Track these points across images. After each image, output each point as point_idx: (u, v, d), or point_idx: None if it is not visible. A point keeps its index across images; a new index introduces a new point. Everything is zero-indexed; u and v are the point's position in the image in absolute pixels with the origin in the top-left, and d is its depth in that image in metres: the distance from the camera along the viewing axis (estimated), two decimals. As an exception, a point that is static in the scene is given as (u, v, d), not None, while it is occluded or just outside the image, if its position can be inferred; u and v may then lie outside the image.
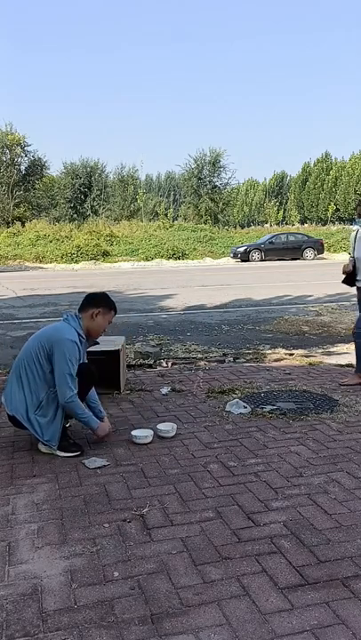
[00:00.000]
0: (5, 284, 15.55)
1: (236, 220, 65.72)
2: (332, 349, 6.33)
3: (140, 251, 28.28)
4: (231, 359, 5.83)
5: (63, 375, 3.16)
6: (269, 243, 28.53)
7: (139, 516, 2.53)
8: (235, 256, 27.54)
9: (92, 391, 3.52)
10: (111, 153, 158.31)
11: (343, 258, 28.45)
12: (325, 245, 29.71)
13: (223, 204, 43.70)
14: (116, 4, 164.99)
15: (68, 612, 1.89)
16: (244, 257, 27.01)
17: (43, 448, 3.33)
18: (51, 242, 28.63)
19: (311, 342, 6.76)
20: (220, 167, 43.47)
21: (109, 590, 2.00)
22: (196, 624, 1.81)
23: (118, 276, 18.83)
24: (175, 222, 40.34)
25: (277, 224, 59.26)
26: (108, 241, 29.47)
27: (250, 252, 27.31)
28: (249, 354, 6.08)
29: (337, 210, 65.34)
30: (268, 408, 4.08)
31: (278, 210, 66.31)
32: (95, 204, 44.79)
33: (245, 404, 4.09)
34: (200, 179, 43.55)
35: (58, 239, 28.81)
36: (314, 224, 60.35)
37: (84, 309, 3.37)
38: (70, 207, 44.83)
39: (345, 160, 74.25)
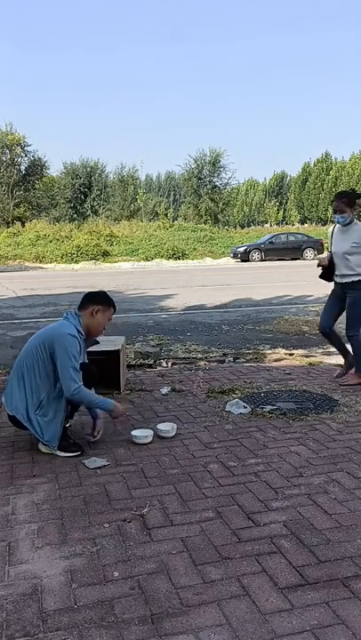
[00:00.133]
0: (5, 284, 15.56)
1: (236, 220, 65.76)
2: (332, 349, 6.32)
3: (140, 251, 28.29)
4: (231, 359, 5.83)
5: (66, 369, 3.16)
6: (269, 243, 28.54)
7: (139, 516, 2.54)
8: (235, 256, 27.56)
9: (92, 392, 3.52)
10: (111, 153, 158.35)
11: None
12: (325, 245, 29.70)
13: (223, 204, 43.71)
14: (115, 3, 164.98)
15: (68, 611, 1.89)
16: (244, 257, 27.02)
17: (43, 448, 3.33)
18: (51, 242, 28.65)
19: (311, 342, 6.76)
20: (220, 167, 43.51)
21: (109, 590, 2.00)
22: (196, 624, 1.81)
23: (118, 275, 18.83)
24: (175, 222, 40.36)
25: (277, 224, 59.29)
26: (108, 241, 29.48)
27: (250, 251, 27.33)
28: (249, 354, 6.08)
29: (337, 210, 65.18)
30: (268, 408, 4.08)
31: (278, 210, 66.36)
32: (95, 203, 44.81)
33: (245, 404, 4.09)
34: (200, 179, 43.56)
35: (58, 239, 28.82)
36: (314, 224, 60.34)
37: (84, 307, 3.38)
38: (70, 207, 44.85)
39: (345, 160, 74.24)
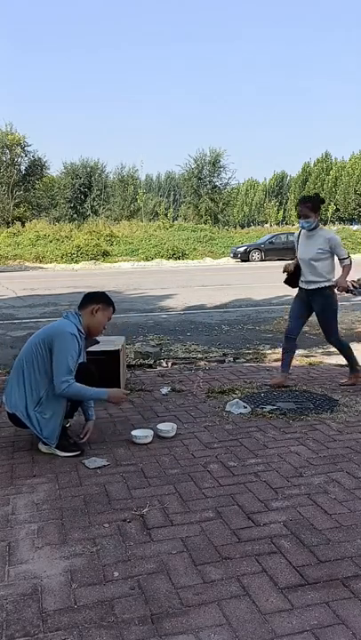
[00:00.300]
0: (5, 284, 15.55)
1: (236, 220, 65.77)
2: (332, 349, 6.32)
3: (140, 251, 28.28)
4: (231, 359, 5.83)
5: (60, 366, 3.16)
6: (269, 243, 28.53)
7: (139, 516, 2.54)
8: (235, 256, 27.54)
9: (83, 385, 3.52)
10: (111, 153, 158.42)
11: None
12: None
13: (223, 204, 43.70)
14: (115, 3, 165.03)
15: (68, 611, 1.89)
16: (244, 257, 27.01)
17: (43, 448, 3.33)
18: (51, 242, 28.63)
19: (311, 342, 6.75)
20: (220, 167, 43.49)
21: (109, 590, 2.00)
22: (196, 624, 1.81)
23: (118, 275, 18.83)
24: (175, 222, 40.34)
25: (277, 224, 59.21)
26: (108, 241, 29.46)
27: (250, 252, 27.32)
28: (249, 354, 6.08)
29: (337, 210, 65.29)
30: (268, 408, 4.08)
31: (278, 210, 66.28)
32: (95, 203, 44.79)
33: (245, 404, 4.09)
34: (200, 179, 43.55)
35: (58, 239, 28.81)
36: (314, 224, 60.17)
37: (84, 306, 3.40)
38: (70, 207, 44.83)
39: (345, 160, 74.25)
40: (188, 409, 4.16)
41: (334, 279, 4.53)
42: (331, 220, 57.50)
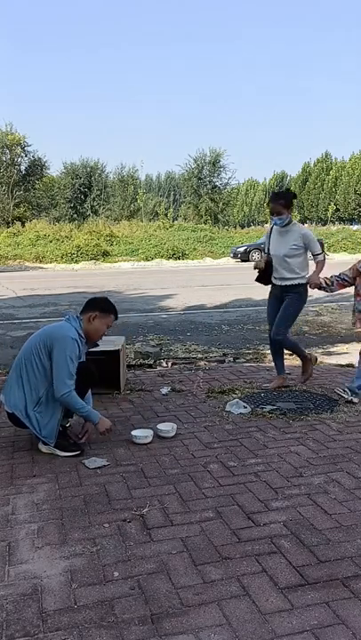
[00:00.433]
0: (5, 284, 15.54)
1: (236, 220, 65.77)
2: (332, 349, 6.34)
3: (140, 251, 28.25)
4: (231, 359, 5.83)
5: (61, 370, 3.17)
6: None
7: (139, 516, 2.54)
8: (235, 256, 27.53)
9: (88, 395, 3.52)
10: (111, 153, 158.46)
11: (343, 258, 28.46)
12: (325, 245, 29.63)
13: (223, 204, 43.68)
14: (116, 4, 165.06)
15: (68, 611, 1.89)
16: (244, 257, 26.99)
17: (43, 448, 3.33)
18: (51, 242, 28.60)
19: (311, 342, 6.75)
20: (220, 167, 43.47)
21: (109, 590, 2.00)
22: (196, 624, 1.81)
23: (118, 275, 18.82)
24: (175, 222, 40.30)
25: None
26: (108, 241, 29.43)
27: (250, 251, 27.29)
28: (249, 354, 6.08)
29: (337, 210, 65.29)
30: (268, 408, 4.08)
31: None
32: (95, 203, 44.76)
33: (245, 404, 4.09)
34: (200, 179, 43.53)
35: (58, 239, 28.77)
36: (314, 224, 60.34)
37: (84, 312, 3.40)
38: (70, 207, 44.80)
39: (345, 160, 74.24)
40: (188, 409, 4.16)
41: (308, 275, 4.49)
42: (331, 220, 57.50)
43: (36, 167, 41.70)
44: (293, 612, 1.86)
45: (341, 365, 5.48)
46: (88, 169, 45.26)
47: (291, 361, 5.69)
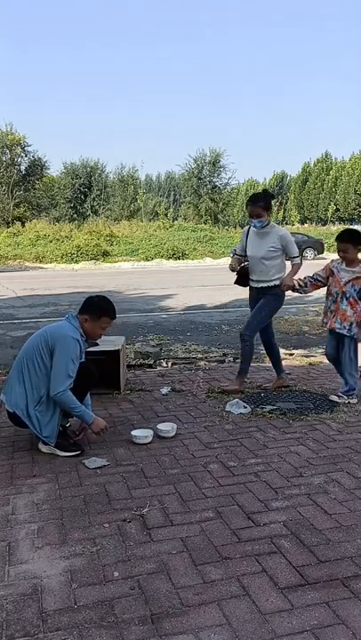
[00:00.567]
0: (5, 284, 15.54)
1: (236, 220, 65.76)
2: (332, 349, 6.32)
3: (140, 251, 28.24)
4: (231, 359, 5.83)
5: (60, 370, 3.17)
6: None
7: (139, 516, 2.54)
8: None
9: (87, 397, 3.52)
10: (111, 153, 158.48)
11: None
12: (325, 245, 29.70)
13: (223, 204, 43.67)
14: (116, 3, 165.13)
15: (68, 611, 1.89)
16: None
17: (43, 448, 3.33)
18: (51, 242, 28.59)
19: (311, 342, 6.76)
20: (220, 167, 43.44)
21: (109, 590, 2.00)
22: (196, 624, 1.81)
23: (118, 275, 18.83)
24: (175, 222, 40.31)
25: (277, 224, 59.16)
26: (108, 241, 29.42)
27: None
28: (249, 354, 6.07)
29: (337, 210, 65.31)
30: (268, 408, 4.08)
31: (278, 210, 66.29)
32: (95, 203, 44.74)
33: (245, 404, 4.09)
34: (200, 179, 43.52)
35: (58, 239, 28.76)
36: (314, 224, 60.34)
37: (80, 312, 3.37)
38: (70, 207, 44.79)
39: (345, 160, 74.25)
40: (188, 409, 4.16)
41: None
42: (331, 220, 57.52)
43: (36, 167, 41.69)
44: (293, 612, 1.86)
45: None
46: (88, 169, 45.25)
47: (290, 361, 5.69)
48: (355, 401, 4.20)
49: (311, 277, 4.36)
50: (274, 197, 4.56)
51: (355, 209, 67.20)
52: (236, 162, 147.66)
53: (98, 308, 3.35)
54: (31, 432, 3.33)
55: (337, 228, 42.15)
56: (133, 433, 3.49)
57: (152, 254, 27.54)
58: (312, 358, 5.82)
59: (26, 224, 34.09)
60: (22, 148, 40.31)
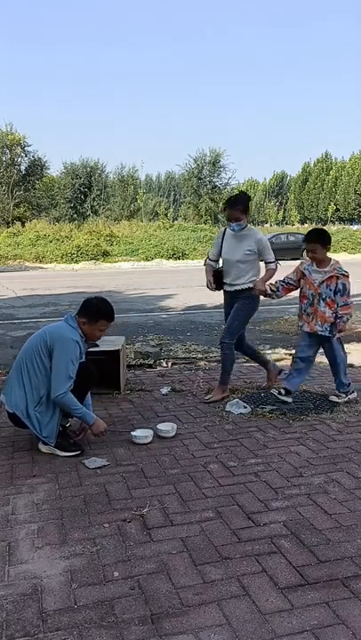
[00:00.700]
0: (5, 284, 15.54)
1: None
2: (332, 349, 6.32)
3: (140, 251, 28.24)
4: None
5: (60, 372, 3.17)
6: (270, 242, 28.50)
7: (139, 516, 2.54)
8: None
9: (87, 397, 3.52)
10: (111, 153, 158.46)
11: (343, 258, 28.44)
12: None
13: (223, 204, 43.68)
14: (116, 3, 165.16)
15: (68, 611, 1.89)
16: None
17: (43, 448, 3.33)
18: (51, 242, 28.58)
19: (311, 342, 6.74)
20: (220, 167, 43.46)
21: (109, 590, 2.00)
22: (196, 624, 1.81)
23: (118, 275, 18.82)
24: (175, 222, 40.32)
25: (277, 224, 59.28)
26: (108, 241, 29.42)
27: (250, 251, 27.26)
28: (249, 354, 6.07)
29: (337, 210, 65.34)
30: (268, 408, 4.08)
31: (278, 210, 66.36)
32: (95, 203, 44.74)
33: (245, 404, 4.09)
34: (200, 179, 43.53)
35: (58, 239, 28.76)
36: (314, 224, 60.38)
37: (78, 315, 3.35)
38: (70, 207, 44.78)
39: (345, 160, 74.26)
40: (188, 409, 4.16)
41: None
42: (331, 220, 57.52)
43: (36, 167, 41.70)
44: (293, 612, 1.86)
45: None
46: (88, 169, 45.24)
47: (290, 361, 5.68)
48: (354, 395, 4.20)
49: (282, 281, 4.26)
50: (250, 199, 4.46)
51: (355, 209, 67.20)
52: (236, 162, 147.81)
53: (96, 311, 3.33)
54: (31, 432, 3.32)
55: (337, 228, 42.17)
56: (133, 433, 3.49)
57: (152, 254, 27.53)
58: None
59: (26, 224, 34.10)
60: (22, 148, 40.32)
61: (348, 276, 4.04)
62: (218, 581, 2.04)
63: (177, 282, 15.73)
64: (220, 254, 4.44)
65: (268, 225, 60.34)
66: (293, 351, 6.15)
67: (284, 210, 72.65)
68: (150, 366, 5.57)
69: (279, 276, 4.35)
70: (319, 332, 4.10)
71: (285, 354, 6.01)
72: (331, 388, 4.64)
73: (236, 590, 1.99)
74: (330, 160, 77.80)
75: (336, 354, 4.21)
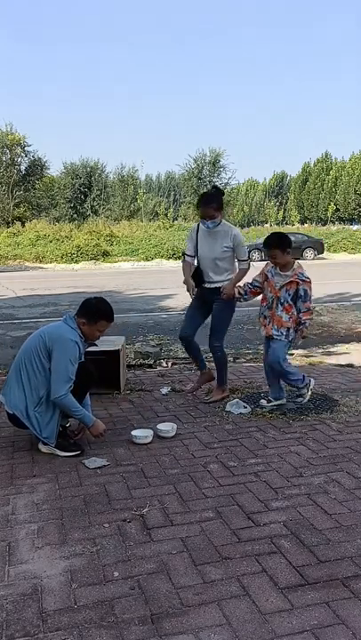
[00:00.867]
0: (5, 284, 15.54)
1: (237, 220, 65.89)
2: (332, 349, 6.34)
3: (140, 251, 28.24)
4: (231, 359, 5.82)
5: (59, 373, 3.17)
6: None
7: (139, 516, 2.53)
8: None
9: (86, 398, 3.52)
10: (111, 153, 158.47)
11: (343, 258, 28.46)
12: (325, 245, 29.72)
13: (223, 203, 43.67)
14: (116, 3, 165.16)
15: (68, 611, 1.89)
16: (244, 257, 26.94)
17: (43, 448, 3.33)
18: (51, 242, 28.58)
19: (311, 342, 6.75)
20: (220, 167, 43.46)
21: (109, 590, 2.00)
22: (196, 624, 1.81)
23: (118, 275, 18.82)
24: (175, 222, 40.31)
25: (277, 224, 59.29)
26: (108, 241, 29.42)
27: (250, 251, 27.05)
28: (249, 354, 6.09)
29: (337, 210, 65.32)
30: (269, 408, 4.08)
31: (278, 210, 66.37)
32: (95, 203, 44.76)
33: (245, 404, 4.09)
34: (200, 179, 43.52)
35: (58, 239, 28.76)
36: (314, 224, 60.37)
37: (77, 315, 3.35)
38: (70, 207, 44.80)
39: (345, 160, 74.25)
40: (188, 409, 4.16)
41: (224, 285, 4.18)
42: (331, 220, 57.52)
43: (36, 167, 41.73)
44: (293, 612, 1.86)
45: (341, 365, 5.48)
46: (88, 169, 45.26)
47: (290, 361, 5.68)
48: (308, 395, 4.10)
49: (250, 284, 4.18)
50: (224, 194, 4.33)
51: (355, 209, 67.21)
52: (236, 162, 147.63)
53: (95, 311, 3.32)
54: (31, 432, 3.32)
55: (337, 227, 42.16)
56: (133, 433, 3.49)
57: (152, 254, 27.53)
58: (312, 358, 5.82)
59: (26, 224, 34.11)
60: (22, 148, 40.36)
61: (309, 282, 3.93)
62: (218, 581, 2.04)
63: (177, 282, 15.63)
64: (196, 250, 4.30)
65: (268, 225, 60.33)
66: (293, 351, 6.16)
67: (284, 210, 72.66)
68: (150, 366, 5.57)
69: (249, 274, 4.25)
70: (275, 337, 3.98)
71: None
72: (331, 388, 4.64)
73: (236, 590, 1.99)
74: (330, 160, 77.77)
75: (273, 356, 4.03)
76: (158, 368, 5.51)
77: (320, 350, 6.27)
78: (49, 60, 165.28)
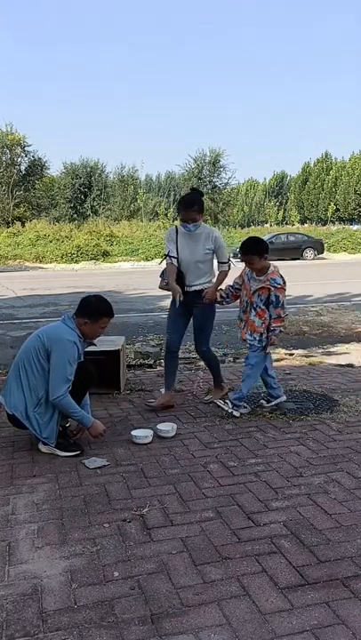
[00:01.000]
0: (5, 284, 15.55)
1: (236, 220, 65.86)
2: (332, 349, 6.33)
3: (140, 251, 28.25)
4: (231, 359, 5.83)
5: (58, 374, 3.17)
6: (269, 243, 28.25)
7: (139, 516, 2.54)
8: (235, 256, 27.47)
9: (85, 398, 3.52)
10: (111, 153, 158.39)
11: (343, 258, 28.47)
12: (325, 245, 29.73)
13: (223, 203, 43.66)
14: (116, 3, 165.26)
15: (68, 611, 1.89)
16: (245, 257, 26.94)
17: (43, 448, 3.33)
18: (51, 242, 28.59)
19: (311, 342, 6.76)
20: (220, 167, 43.44)
21: (109, 590, 2.00)
22: (196, 624, 1.81)
23: (118, 275, 18.83)
24: (175, 222, 40.27)
25: (277, 224, 59.29)
26: (108, 241, 29.43)
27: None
28: (249, 354, 6.07)
29: (337, 210, 65.28)
30: (268, 408, 4.08)
31: (278, 210, 66.37)
32: (95, 203, 44.76)
33: (245, 404, 4.09)
34: (200, 179, 43.50)
35: (58, 239, 28.77)
36: (314, 224, 60.34)
37: (77, 315, 3.35)
38: (70, 207, 44.80)
39: (345, 160, 74.23)
40: (188, 409, 4.16)
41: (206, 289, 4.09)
42: (331, 220, 57.50)
43: (36, 167, 41.74)
44: (293, 612, 1.86)
45: (341, 365, 5.48)
46: (88, 169, 45.27)
47: (290, 361, 5.69)
48: (237, 414, 3.95)
49: (231, 287, 4.11)
50: (203, 195, 4.24)
51: (355, 209, 67.19)
52: (236, 162, 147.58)
53: (95, 310, 3.33)
54: (31, 432, 3.32)
55: (337, 228, 42.15)
56: (133, 433, 3.49)
57: (152, 254, 27.54)
58: (312, 358, 5.82)
59: (26, 224, 34.11)
60: (22, 148, 40.38)
61: (282, 288, 3.85)
62: (218, 581, 2.04)
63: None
64: (176, 252, 4.13)
65: (268, 225, 60.32)
66: (293, 351, 6.17)
67: (284, 210, 72.59)
68: (150, 366, 5.57)
69: (231, 275, 4.19)
70: (248, 342, 3.94)
71: (285, 354, 6.02)
72: (331, 388, 4.64)
73: (236, 590, 1.99)
74: (330, 160, 77.72)
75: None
76: (158, 368, 5.50)
77: (320, 350, 6.27)
78: (49, 60, 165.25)
